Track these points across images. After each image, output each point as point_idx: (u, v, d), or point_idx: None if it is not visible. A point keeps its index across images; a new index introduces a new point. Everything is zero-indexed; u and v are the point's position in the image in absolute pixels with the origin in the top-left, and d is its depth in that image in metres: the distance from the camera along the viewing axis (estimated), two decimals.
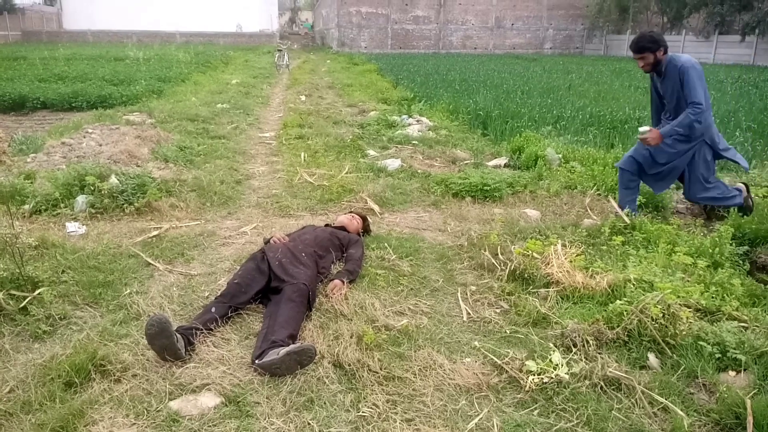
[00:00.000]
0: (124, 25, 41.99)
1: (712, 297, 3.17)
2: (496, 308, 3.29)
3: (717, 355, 2.64)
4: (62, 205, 4.67)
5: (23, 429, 2.19)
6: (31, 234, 3.76)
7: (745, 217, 4.46)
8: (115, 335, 2.87)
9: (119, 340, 2.82)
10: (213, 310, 2.99)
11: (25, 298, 3.05)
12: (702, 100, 4.18)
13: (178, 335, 2.66)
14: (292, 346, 2.59)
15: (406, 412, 2.36)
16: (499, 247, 3.92)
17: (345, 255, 3.80)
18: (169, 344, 2.59)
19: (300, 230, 3.96)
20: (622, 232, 4.14)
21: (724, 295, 3.21)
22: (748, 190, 4.81)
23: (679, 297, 3.00)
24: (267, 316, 2.99)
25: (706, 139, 4.45)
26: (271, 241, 3.63)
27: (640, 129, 4.35)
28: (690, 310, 2.94)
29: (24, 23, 43.17)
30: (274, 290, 3.16)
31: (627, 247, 3.91)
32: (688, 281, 3.34)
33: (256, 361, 2.61)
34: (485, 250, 3.89)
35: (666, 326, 2.79)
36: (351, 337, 2.83)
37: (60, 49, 26.48)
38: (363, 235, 4.22)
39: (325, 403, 2.41)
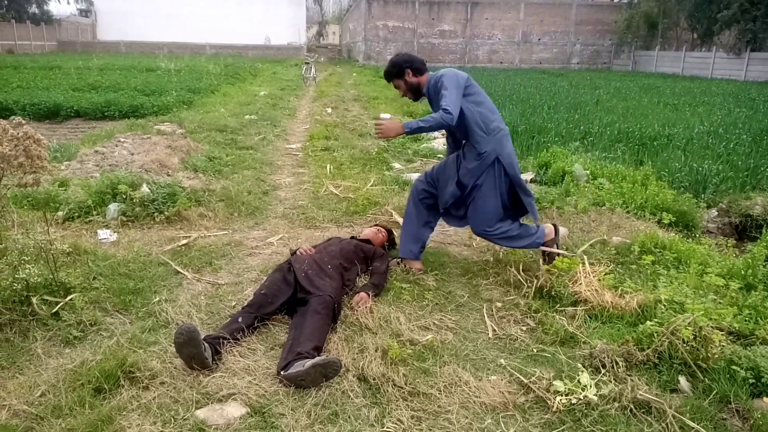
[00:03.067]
0: (155, 37, 43.04)
1: (746, 320, 3.09)
2: (523, 326, 3.26)
3: (751, 381, 2.57)
4: (95, 212, 4.77)
5: None
6: (64, 240, 3.84)
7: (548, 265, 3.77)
8: (144, 342, 2.90)
9: (148, 347, 2.86)
10: (240, 319, 3.02)
11: (57, 303, 3.11)
12: (451, 106, 3.44)
13: (206, 344, 2.69)
14: (317, 359, 2.60)
15: (431, 429, 2.35)
16: (524, 264, 3.89)
17: (370, 268, 3.80)
18: (197, 353, 2.62)
19: (326, 242, 3.97)
20: (652, 252, 4.08)
21: (758, 318, 3.13)
22: (556, 233, 3.95)
23: (711, 319, 2.93)
24: (293, 327, 3.01)
25: (502, 160, 3.65)
26: (298, 253, 3.65)
27: (381, 115, 3.74)
28: (722, 333, 2.87)
29: (60, 34, 44.54)
30: (300, 301, 3.17)
31: (657, 266, 3.85)
32: (720, 303, 3.27)
33: (282, 372, 2.62)
34: (511, 266, 3.86)
35: (697, 349, 2.73)
36: (376, 351, 2.82)
37: (94, 59, 27.23)
38: (388, 249, 4.23)
39: (349, 417, 2.41)
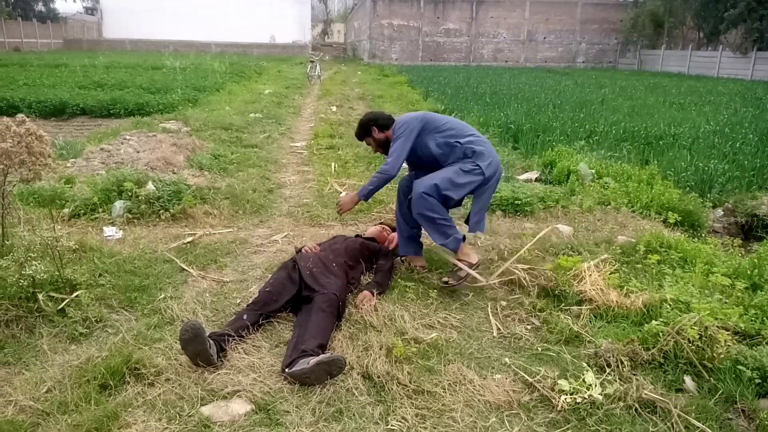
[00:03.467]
0: (161, 35, 43.05)
1: (752, 320, 3.08)
2: (527, 324, 3.25)
3: (757, 381, 2.56)
4: (100, 209, 4.79)
5: (59, 429, 2.23)
6: (70, 237, 3.85)
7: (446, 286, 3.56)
8: (150, 339, 2.92)
9: (153, 344, 2.87)
10: (245, 317, 3.03)
11: (63, 300, 3.12)
12: (392, 158, 3.64)
13: (211, 341, 2.70)
14: (322, 356, 2.60)
15: (435, 428, 2.35)
16: (529, 262, 3.88)
17: (375, 266, 3.80)
18: (203, 350, 2.63)
19: (331, 240, 3.98)
20: (657, 251, 4.06)
21: (764, 318, 3.11)
22: (477, 265, 3.66)
23: (716, 319, 2.92)
24: (297, 325, 3.01)
25: (478, 162, 3.62)
26: (303, 251, 3.66)
27: (341, 195, 3.99)
28: (728, 332, 2.86)
29: (66, 32, 44.66)
30: (305, 299, 3.18)
31: (663, 266, 3.84)
32: (726, 303, 3.26)
33: (287, 370, 2.62)
34: (516, 265, 3.85)
35: (703, 349, 2.72)
36: (380, 349, 2.82)
37: (99, 57, 27.31)
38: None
39: (354, 415, 2.41)
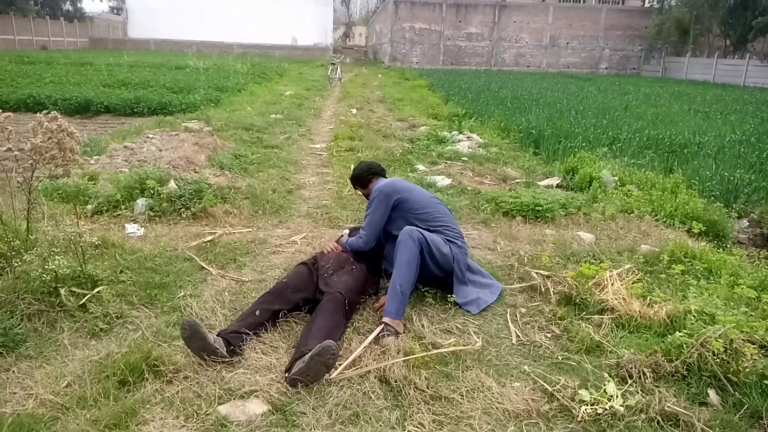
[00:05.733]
0: (185, 35, 43.52)
1: None
2: (547, 332, 3.21)
3: None
4: (123, 206, 4.84)
5: (78, 423, 2.25)
6: (93, 233, 3.89)
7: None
8: (169, 336, 2.93)
9: (173, 341, 2.88)
10: (257, 312, 3.01)
11: (84, 295, 3.14)
12: (366, 231, 3.63)
13: (215, 336, 2.73)
14: (313, 350, 2.55)
15: None
16: (549, 269, 3.84)
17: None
18: (205, 345, 2.65)
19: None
20: (681, 261, 3.99)
21: None
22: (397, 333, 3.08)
23: (742, 332, 2.85)
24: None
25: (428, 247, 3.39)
26: (324, 250, 3.66)
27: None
28: (754, 346, 2.79)
29: (92, 31, 45.49)
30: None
31: (687, 276, 3.77)
32: (752, 316, 3.18)
33: (287, 375, 2.60)
34: (536, 272, 3.81)
35: (728, 362, 2.66)
36: (398, 353, 2.80)
37: (124, 56, 27.73)
38: None
39: (370, 419, 2.39)
